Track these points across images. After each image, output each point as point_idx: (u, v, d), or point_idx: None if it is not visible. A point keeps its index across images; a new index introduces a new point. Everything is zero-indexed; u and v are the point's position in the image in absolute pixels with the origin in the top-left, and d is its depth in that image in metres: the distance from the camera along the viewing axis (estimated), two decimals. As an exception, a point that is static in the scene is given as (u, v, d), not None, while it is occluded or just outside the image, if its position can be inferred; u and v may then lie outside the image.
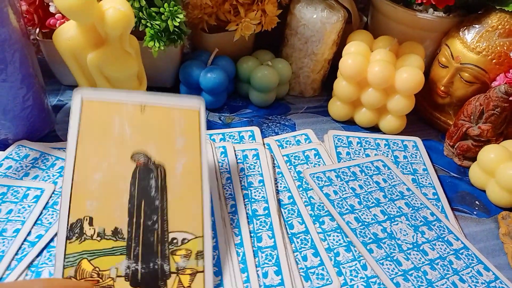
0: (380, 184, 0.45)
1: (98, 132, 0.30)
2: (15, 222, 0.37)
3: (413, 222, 0.41)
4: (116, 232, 0.28)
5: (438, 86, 0.54)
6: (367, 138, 0.52)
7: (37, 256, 0.35)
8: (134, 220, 0.29)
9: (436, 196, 0.45)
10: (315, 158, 0.48)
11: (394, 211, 0.42)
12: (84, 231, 0.28)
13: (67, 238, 0.28)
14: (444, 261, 0.38)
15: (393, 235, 0.39)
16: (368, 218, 0.41)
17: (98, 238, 0.28)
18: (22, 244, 0.36)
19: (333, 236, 0.39)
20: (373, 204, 0.42)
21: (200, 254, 0.30)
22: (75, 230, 0.28)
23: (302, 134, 0.51)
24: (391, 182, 0.45)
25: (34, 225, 0.37)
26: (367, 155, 0.49)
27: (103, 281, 0.27)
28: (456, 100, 0.53)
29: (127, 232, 0.28)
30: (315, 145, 0.49)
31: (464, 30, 0.50)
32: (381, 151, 0.50)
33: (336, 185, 0.44)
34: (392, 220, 0.41)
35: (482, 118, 0.48)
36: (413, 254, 0.38)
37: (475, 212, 0.45)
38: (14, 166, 0.42)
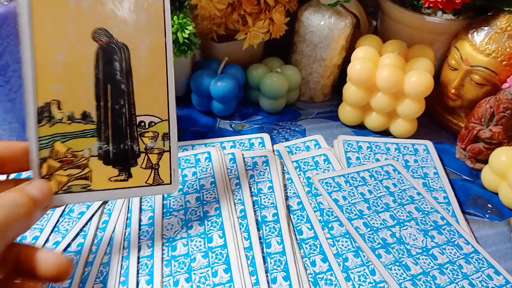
0: (389, 189, 0.45)
1: (51, 6, 0.28)
2: (34, 230, 0.39)
3: (422, 227, 0.41)
4: (85, 116, 0.29)
5: (449, 89, 0.53)
6: (377, 142, 0.52)
7: (55, 262, 0.37)
8: (102, 104, 0.29)
9: (447, 200, 0.45)
10: (324, 163, 0.48)
11: (403, 216, 0.42)
12: (53, 115, 0.28)
13: (38, 121, 0.28)
14: (453, 266, 0.38)
15: (402, 240, 0.39)
16: (377, 223, 0.41)
17: (69, 122, 0.29)
18: (41, 251, 0.37)
19: (342, 241, 0.40)
20: (382, 209, 0.42)
21: (166, 136, 0.32)
22: (44, 114, 0.28)
23: (311, 140, 0.52)
24: (401, 187, 0.45)
25: (51, 232, 0.39)
26: (377, 160, 0.49)
27: (77, 160, 0.29)
28: (467, 103, 0.53)
29: (96, 116, 0.29)
30: (325, 151, 0.50)
31: (473, 32, 0.50)
32: (391, 155, 0.50)
33: (345, 191, 0.44)
34: (402, 224, 0.41)
35: (493, 120, 0.47)
36: (422, 259, 0.38)
37: (487, 215, 0.45)
38: (33, 176, 0.43)
